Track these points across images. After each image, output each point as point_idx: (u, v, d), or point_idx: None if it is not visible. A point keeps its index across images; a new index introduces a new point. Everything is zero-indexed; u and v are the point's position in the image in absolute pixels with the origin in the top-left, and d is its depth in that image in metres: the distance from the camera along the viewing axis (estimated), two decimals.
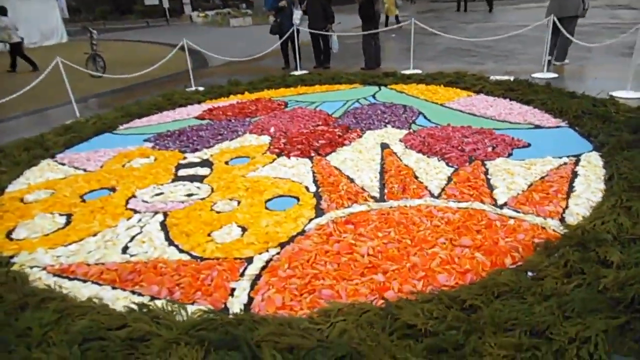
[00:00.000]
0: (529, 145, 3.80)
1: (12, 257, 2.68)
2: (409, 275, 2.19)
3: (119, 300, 2.19)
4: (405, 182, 3.21)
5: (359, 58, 8.38)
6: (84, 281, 2.38)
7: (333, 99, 5.94)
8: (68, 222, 3.08)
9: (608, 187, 2.91)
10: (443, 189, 3.10)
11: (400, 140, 4.12)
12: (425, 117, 4.79)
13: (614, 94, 5.05)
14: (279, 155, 4.01)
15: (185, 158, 4.17)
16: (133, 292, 2.26)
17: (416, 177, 3.32)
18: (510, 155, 3.61)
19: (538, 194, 2.91)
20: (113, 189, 3.57)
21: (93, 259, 2.58)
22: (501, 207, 2.81)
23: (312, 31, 8.04)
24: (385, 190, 3.15)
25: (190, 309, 2.05)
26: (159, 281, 2.29)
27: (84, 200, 3.40)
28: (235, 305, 2.11)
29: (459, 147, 3.78)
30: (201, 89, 7.02)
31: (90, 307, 2.06)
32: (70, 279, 2.41)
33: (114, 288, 2.30)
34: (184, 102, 6.31)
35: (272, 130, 4.76)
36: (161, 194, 3.41)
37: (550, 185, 3.01)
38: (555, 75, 6.31)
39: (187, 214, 3.04)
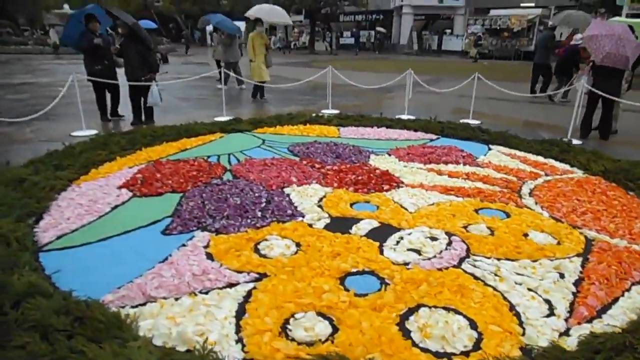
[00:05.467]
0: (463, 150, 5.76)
1: None
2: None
3: None
4: (509, 179, 4.52)
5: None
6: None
7: (244, 149, 5.56)
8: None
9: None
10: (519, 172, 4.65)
11: (402, 161, 5.08)
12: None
13: (402, 116, 7.74)
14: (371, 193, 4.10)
15: (311, 226, 3.43)
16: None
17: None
18: (476, 157, 5.44)
19: (537, 168, 5.01)
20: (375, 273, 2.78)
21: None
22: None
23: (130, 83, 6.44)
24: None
25: None
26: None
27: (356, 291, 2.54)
28: None
29: (446, 157, 5.25)
30: None
31: None
32: None
33: None
34: (60, 185, 4.00)
35: (294, 180, 4.38)
36: (415, 250, 3.05)
37: (533, 161, 5.21)
38: (338, 111, 8.42)
39: (493, 244, 3.12)
